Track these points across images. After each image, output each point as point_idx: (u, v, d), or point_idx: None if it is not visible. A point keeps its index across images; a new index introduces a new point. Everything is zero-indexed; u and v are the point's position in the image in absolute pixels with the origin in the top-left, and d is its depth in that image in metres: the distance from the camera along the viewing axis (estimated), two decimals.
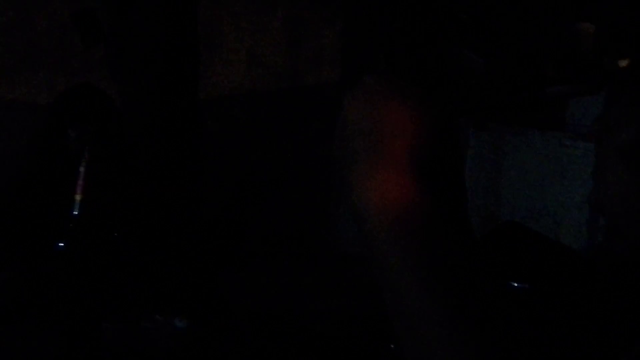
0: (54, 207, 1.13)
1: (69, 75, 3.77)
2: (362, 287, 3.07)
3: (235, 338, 1.48)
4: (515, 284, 0.88)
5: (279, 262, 3.24)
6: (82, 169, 0.92)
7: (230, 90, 3.81)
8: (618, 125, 0.73)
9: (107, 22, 2.57)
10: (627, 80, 0.75)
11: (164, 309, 1.05)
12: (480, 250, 0.89)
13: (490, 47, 0.67)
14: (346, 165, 0.66)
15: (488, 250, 0.95)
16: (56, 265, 0.93)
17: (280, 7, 3.85)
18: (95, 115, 1.36)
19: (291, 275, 3.09)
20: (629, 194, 0.70)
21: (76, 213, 0.93)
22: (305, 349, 1.80)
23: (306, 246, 3.63)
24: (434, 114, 0.64)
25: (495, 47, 0.69)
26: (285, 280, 2.96)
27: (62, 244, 0.93)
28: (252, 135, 3.74)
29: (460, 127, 3.93)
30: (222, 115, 3.69)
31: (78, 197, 0.93)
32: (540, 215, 3.49)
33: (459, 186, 0.65)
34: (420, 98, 0.65)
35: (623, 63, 0.74)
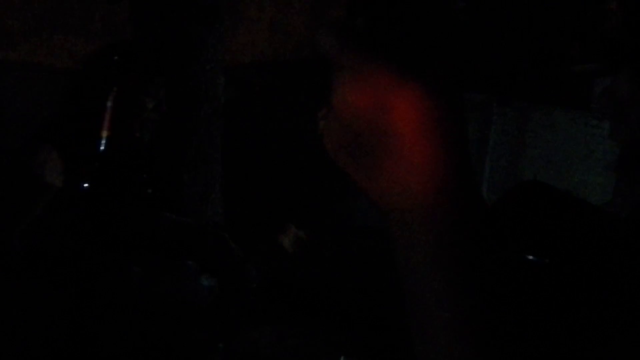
0: (79, 145, 1.10)
1: (89, 39, 3.73)
2: (377, 259, 3.05)
3: (256, 300, 1.45)
4: (533, 258, 0.81)
5: (300, 230, 3.22)
6: (109, 104, 0.87)
7: (251, 58, 3.77)
8: (631, 102, 0.69)
9: None
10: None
11: (192, 266, 1.02)
12: (492, 217, 0.83)
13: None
14: (351, 161, 0.62)
15: (503, 215, 0.86)
16: (80, 208, 0.89)
17: None
18: (127, 58, 1.34)
19: (313, 243, 3.06)
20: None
21: (103, 150, 0.88)
22: (322, 313, 1.77)
23: (323, 218, 3.60)
24: (424, 92, 0.60)
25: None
26: (307, 248, 2.93)
27: (86, 185, 0.89)
28: (272, 104, 3.70)
29: (483, 102, 3.87)
30: (243, 83, 3.66)
31: (105, 134, 0.89)
32: None
33: (468, 165, 0.61)
34: (407, 79, 0.60)
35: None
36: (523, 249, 0.82)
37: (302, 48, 3.80)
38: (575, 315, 0.78)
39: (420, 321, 0.58)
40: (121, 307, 0.88)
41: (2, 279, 1.22)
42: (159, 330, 0.94)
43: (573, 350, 0.75)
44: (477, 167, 3.71)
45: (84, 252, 0.92)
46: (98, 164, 0.94)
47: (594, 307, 0.78)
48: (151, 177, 0.96)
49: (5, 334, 0.99)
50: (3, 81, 3.45)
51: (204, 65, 2.62)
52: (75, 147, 1.24)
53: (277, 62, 3.78)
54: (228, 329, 1.15)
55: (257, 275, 1.55)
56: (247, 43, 3.77)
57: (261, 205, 3.36)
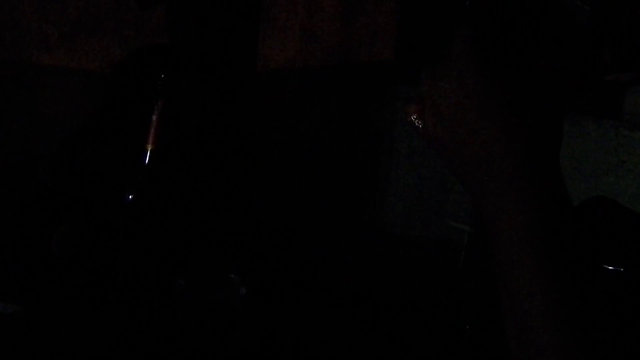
0: (123, 157, 1.13)
1: (124, 43, 3.78)
2: (407, 267, 3.06)
3: (287, 307, 1.47)
4: (610, 267, 0.82)
5: (325, 237, 3.24)
6: (154, 118, 0.90)
7: (282, 64, 3.79)
8: None
9: None
10: None
11: (235, 279, 1.04)
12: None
13: None
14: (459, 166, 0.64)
15: (575, 229, 0.88)
16: (124, 219, 0.92)
17: None
18: (170, 67, 1.37)
19: (338, 249, 3.08)
20: None
21: (147, 163, 0.91)
22: (355, 319, 1.79)
23: (351, 223, 3.62)
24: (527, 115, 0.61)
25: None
26: (333, 254, 2.95)
27: (130, 197, 0.92)
28: (303, 110, 3.72)
29: None
30: (273, 89, 3.69)
31: (149, 147, 0.91)
32: None
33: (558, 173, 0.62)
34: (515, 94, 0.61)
35: None
36: (599, 259, 0.83)
37: (333, 54, 3.82)
38: None
39: (516, 321, 0.59)
40: (162, 319, 0.91)
41: (43, 285, 1.25)
42: (191, 338, 0.97)
43: None
44: None
45: (127, 263, 0.95)
46: (142, 176, 0.96)
47: None
48: (198, 187, 0.99)
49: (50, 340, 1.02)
50: (39, 86, 3.52)
51: (237, 71, 2.66)
52: (118, 158, 1.28)
53: (308, 67, 3.81)
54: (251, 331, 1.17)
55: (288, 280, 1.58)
56: (277, 48, 3.80)
57: (291, 209, 3.39)
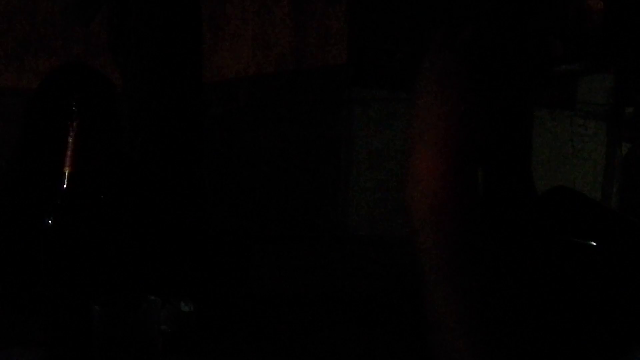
0: (41, 182, 1.10)
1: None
2: (371, 268, 3.06)
3: (244, 321, 1.45)
4: (582, 241, 0.85)
5: (288, 244, 3.21)
6: (70, 140, 0.87)
7: (235, 73, 3.77)
8: (626, 102, 0.70)
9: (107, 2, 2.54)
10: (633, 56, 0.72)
11: (168, 292, 1.01)
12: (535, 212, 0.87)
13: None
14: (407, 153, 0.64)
15: (542, 213, 0.91)
16: (43, 243, 0.89)
17: None
18: (83, 87, 1.33)
19: (301, 256, 3.06)
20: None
21: (65, 187, 0.88)
22: (317, 328, 1.77)
23: (315, 228, 3.60)
24: (492, 103, 0.61)
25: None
26: (295, 262, 2.94)
27: (49, 221, 0.89)
28: (258, 118, 3.70)
29: None
30: (227, 98, 3.66)
31: (67, 171, 0.88)
32: None
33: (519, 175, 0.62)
34: (480, 86, 0.61)
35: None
36: (569, 234, 0.86)
37: (286, 60, 3.80)
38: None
39: (437, 312, 0.59)
40: (83, 347, 0.88)
41: None
42: None
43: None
44: None
45: (46, 290, 0.91)
46: (60, 200, 0.93)
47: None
48: (121, 209, 0.97)
49: None
50: None
51: (187, 81, 2.63)
52: (35, 182, 1.24)
53: (260, 75, 3.79)
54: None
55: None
56: (230, 58, 3.78)
57: (251, 217, 3.36)
